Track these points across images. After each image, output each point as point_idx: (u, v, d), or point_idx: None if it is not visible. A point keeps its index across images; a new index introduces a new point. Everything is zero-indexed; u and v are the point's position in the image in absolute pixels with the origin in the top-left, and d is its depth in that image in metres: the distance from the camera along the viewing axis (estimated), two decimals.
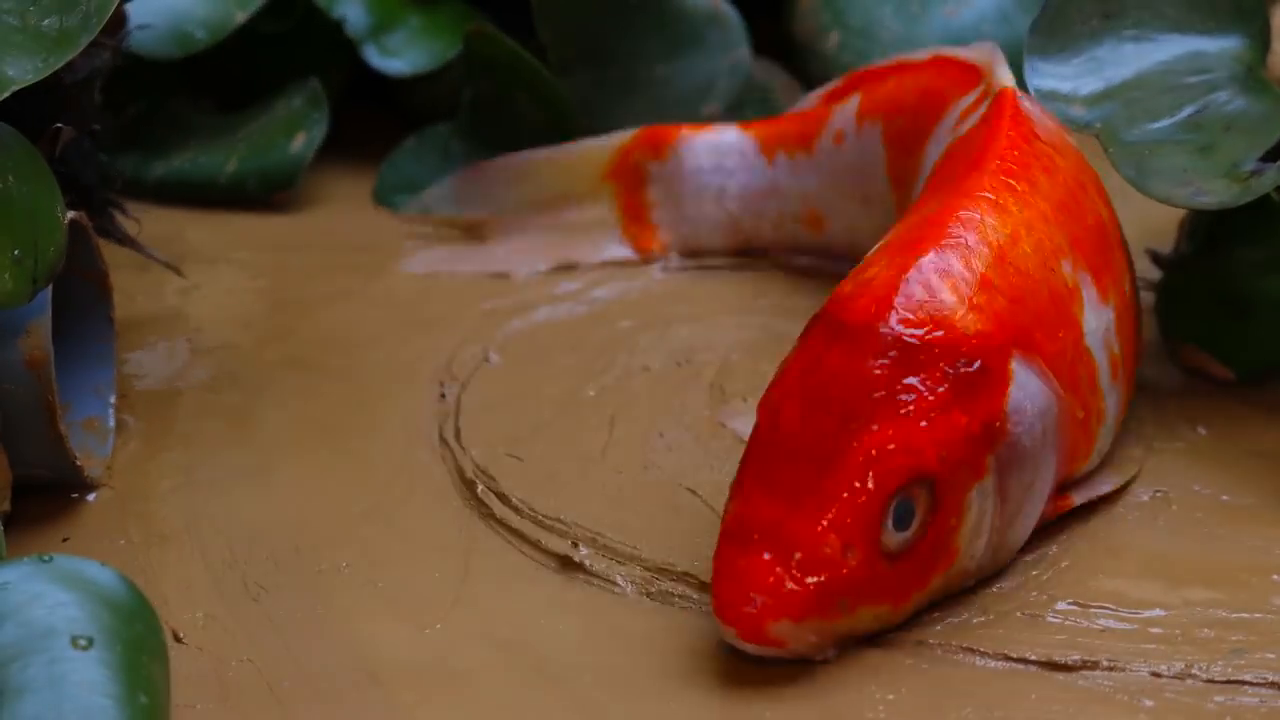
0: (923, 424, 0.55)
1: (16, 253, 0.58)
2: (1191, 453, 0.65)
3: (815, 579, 0.54)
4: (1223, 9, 0.68)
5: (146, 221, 0.72)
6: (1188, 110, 0.66)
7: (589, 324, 0.73)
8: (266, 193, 0.82)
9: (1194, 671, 0.55)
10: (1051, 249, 0.60)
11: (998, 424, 0.56)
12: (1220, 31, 0.68)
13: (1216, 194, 0.64)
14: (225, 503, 0.63)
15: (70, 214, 0.62)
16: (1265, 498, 0.63)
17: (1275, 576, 0.59)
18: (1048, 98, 0.67)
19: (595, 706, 0.55)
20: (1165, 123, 0.66)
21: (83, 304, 0.66)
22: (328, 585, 0.60)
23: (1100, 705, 0.54)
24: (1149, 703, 0.54)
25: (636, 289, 0.76)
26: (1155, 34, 0.68)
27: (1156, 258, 0.69)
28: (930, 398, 0.55)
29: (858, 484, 0.54)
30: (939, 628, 0.57)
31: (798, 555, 0.54)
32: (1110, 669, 0.55)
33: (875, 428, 0.55)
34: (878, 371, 0.55)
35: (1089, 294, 0.61)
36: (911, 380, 0.55)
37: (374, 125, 0.87)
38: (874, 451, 0.54)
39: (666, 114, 0.85)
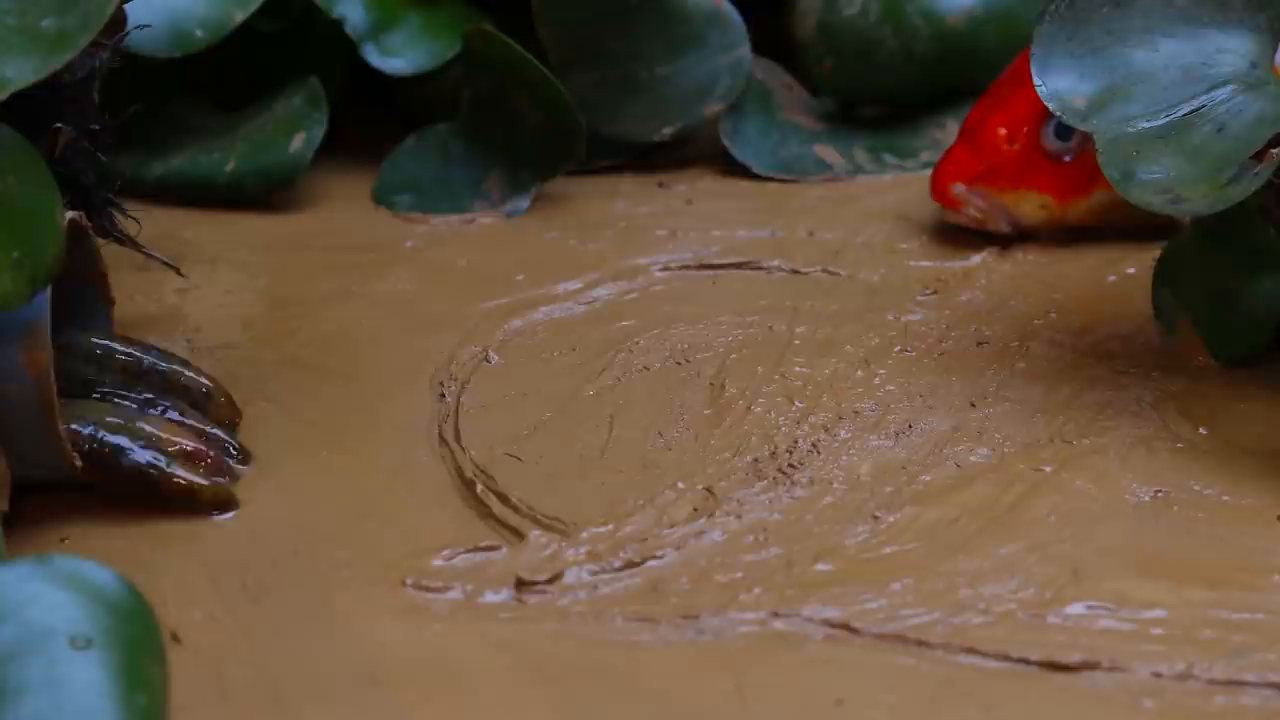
0: None
1: (16, 254, 0.58)
2: (1191, 453, 0.65)
3: (984, 155, 0.76)
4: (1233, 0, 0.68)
5: (146, 221, 0.72)
6: (1184, 109, 0.66)
7: (589, 324, 0.73)
8: (266, 192, 0.82)
9: (1195, 672, 0.55)
10: None
11: None
12: (1229, 23, 0.68)
13: (1193, 202, 0.64)
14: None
15: (69, 214, 0.62)
16: (1266, 498, 0.63)
17: (1277, 577, 0.59)
18: (1052, 96, 0.67)
19: (595, 707, 0.55)
20: (1160, 122, 0.66)
21: (82, 304, 0.66)
22: (328, 585, 0.60)
23: (1101, 706, 0.54)
24: (1150, 704, 0.54)
25: (636, 289, 0.76)
26: (1163, 24, 0.68)
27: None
28: None
29: (1029, 96, 0.72)
30: (939, 628, 0.57)
31: (977, 140, 0.77)
32: (1111, 669, 0.55)
33: None
34: None
35: None
36: None
37: (374, 125, 0.87)
38: None
39: (667, 114, 0.85)
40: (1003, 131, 0.77)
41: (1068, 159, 0.76)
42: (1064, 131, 0.76)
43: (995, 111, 0.77)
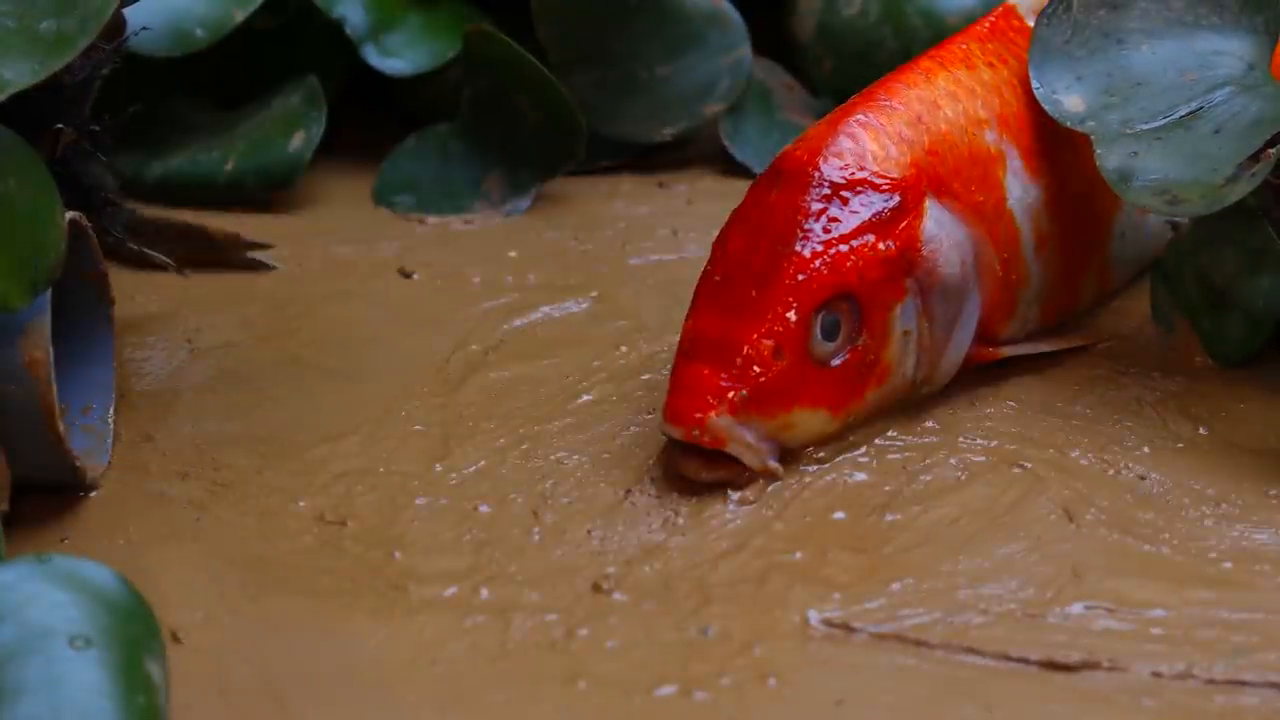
0: (844, 248, 0.63)
1: (16, 257, 0.58)
2: (1191, 452, 0.65)
3: (750, 379, 0.61)
4: (1229, 1, 0.68)
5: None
6: (1181, 111, 0.66)
7: (589, 324, 0.73)
8: (266, 191, 0.82)
9: (1195, 672, 0.55)
10: (974, 118, 0.67)
11: (914, 250, 0.64)
12: (1226, 25, 0.68)
13: (1191, 203, 0.64)
14: (224, 502, 0.63)
15: (70, 215, 0.62)
16: (1266, 497, 0.63)
17: (1277, 577, 0.59)
18: (1048, 97, 0.67)
19: (595, 707, 0.55)
20: (1158, 124, 0.66)
21: (82, 304, 0.66)
22: (328, 585, 0.60)
23: (1101, 706, 0.54)
24: (1150, 703, 0.54)
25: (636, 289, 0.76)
26: (1160, 26, 0.68)
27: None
28: (851, 227, 0.63)
29: (787, 298, 0.62)
30: (939, 628, 0.57)
31: (736, 360, 0.61)
32: (1111, 669, 0.55)
33: (803, 251, 0.62)
34: (807, 205, 0.63)
35: (1014, 165, 0.67)
36: (835, 212, 0.63)
37: (374, 125, 0.87)
38: (801, 270, 0.62)
39: (667, 114, 0.85)
40: (768, 344, 0.62)
41: (836, 362, 0.63)
42: (831, 329, 0.62)
43: (749, 318, 0.62)
